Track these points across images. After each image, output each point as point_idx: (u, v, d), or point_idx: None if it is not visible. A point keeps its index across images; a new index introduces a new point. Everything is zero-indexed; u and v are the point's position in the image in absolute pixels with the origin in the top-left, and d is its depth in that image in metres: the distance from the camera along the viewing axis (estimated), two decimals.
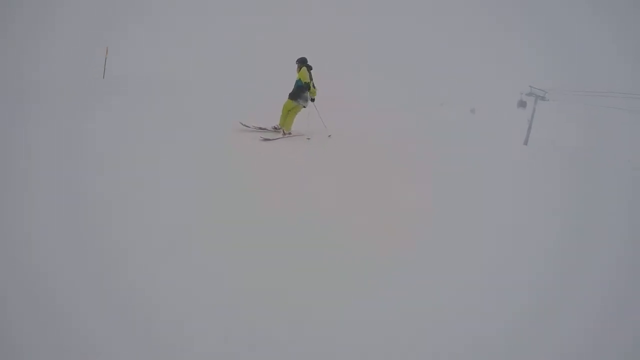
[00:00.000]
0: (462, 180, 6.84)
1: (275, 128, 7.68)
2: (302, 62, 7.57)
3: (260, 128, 7.60)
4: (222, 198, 4.48)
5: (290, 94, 7.57)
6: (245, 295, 2.88)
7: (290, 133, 7.71)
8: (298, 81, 7.53)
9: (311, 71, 7.56)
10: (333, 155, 6.99)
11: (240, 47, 24.96)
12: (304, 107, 7.64)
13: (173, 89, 10.75)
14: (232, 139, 6.95)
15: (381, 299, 3.03)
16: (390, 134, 9.70)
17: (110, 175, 4.58)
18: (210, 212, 4.05)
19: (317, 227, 4.13)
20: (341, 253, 3.66)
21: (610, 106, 20.52)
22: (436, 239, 4.30)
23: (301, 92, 7.50)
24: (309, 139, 7.64)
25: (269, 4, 34.70)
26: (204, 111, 8.50)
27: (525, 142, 20.91)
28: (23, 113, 6.55)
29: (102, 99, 8.19)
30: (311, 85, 7.57)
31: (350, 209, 4.78)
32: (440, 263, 3.77)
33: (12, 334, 2.27)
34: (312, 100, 7.65)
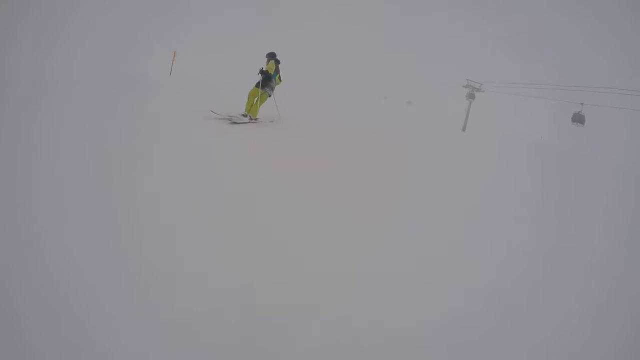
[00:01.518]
0: (405, 166, 7.29)
1: (244, 115, 8.45)
2: (271, 56, 8.58)
3: (230, 116, 8.34)
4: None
5: (257, 83, 8.52)
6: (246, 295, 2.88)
7: (257, 119, 8.55)
8: (265, 72, 8.52)
9: (279, 65, 8.60)
10: (287, 140, 7.59)
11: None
12: (269, 95, 8.64)
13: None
14: (204, 125, 7.60)
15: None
16: (338, 121, 10.28)
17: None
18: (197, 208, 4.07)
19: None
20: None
21: (537, 96, 22.52)
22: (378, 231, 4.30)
23: (268, 81, 8.49)
24: (271, 121, 8.74)
25: None
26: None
27: (464, 129, 22.28)
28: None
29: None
30: (277, 77, 8.65)
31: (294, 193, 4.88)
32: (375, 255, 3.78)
33: (25, 331, 2.26)
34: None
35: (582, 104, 19.36)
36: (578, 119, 19.57)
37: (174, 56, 14.53)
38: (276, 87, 8.72)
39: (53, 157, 4.70)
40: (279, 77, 8.70)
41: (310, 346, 2.51)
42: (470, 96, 25.21)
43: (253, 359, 2.36)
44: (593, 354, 2.89)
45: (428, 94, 34.19)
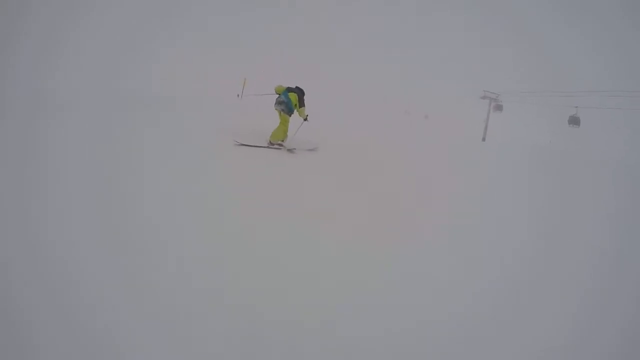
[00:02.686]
0: (431, 174, 7.56)
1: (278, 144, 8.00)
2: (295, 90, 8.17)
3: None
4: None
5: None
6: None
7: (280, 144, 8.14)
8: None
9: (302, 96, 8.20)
10: (315, 159, 7.51)
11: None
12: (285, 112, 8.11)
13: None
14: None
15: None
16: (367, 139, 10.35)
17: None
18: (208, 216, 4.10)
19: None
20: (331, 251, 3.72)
21: (552, 104, 23.19)
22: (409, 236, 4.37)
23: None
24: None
25: None
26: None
27: (483, 139, 22.76)
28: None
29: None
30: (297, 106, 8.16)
31: (332, 207, 4.90)
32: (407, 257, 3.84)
33: (31, 327, 2.28)
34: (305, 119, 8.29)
35: (576, 107, 21.16)
36: (573, 121, 21.29)
37: (245, 83, 15.47)
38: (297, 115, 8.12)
39: (61, 162, 4.85)
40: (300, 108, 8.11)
41: (310, 347, 2.50)
42: (498, 108, 25.67)
43: (253, 357, 2.37)
44: (590, 351, 2.90)
45: (446, 108, 34.65)
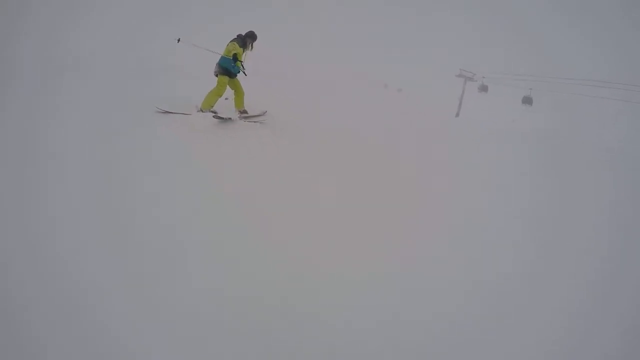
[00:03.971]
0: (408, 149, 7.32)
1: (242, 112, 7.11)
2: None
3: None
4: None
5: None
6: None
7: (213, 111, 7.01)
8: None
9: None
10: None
11: None
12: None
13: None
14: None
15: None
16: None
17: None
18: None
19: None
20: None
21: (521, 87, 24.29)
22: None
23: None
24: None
25: None
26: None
27: (457, 115, 22.71)
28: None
29: None
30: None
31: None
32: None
33: (32, 326, 2.32)
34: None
35: (530, 89, 23.64)
36: (526, 101, 23.75)
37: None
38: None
39: (60, 155, 4.69)
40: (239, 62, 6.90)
41: (309, 347, 2.55)
42: (483, 89, 26.06)
43: (253, 356, 2.42)
44: (590, 352, 2.96)
45: (420, 82, 34.47)
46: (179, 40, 7.00)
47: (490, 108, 27.12)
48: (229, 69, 6.71)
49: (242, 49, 6.83)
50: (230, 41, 6.84)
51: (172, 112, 6.50)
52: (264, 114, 7.27)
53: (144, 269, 2.98)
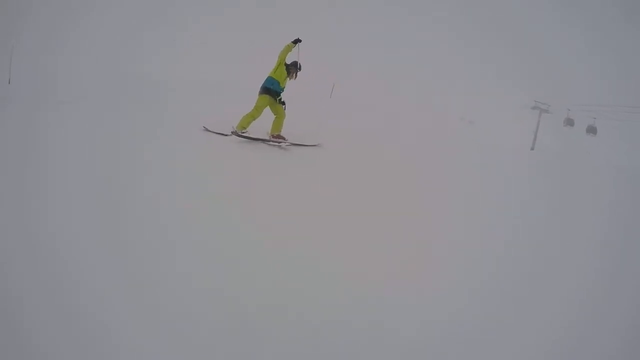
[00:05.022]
0: (478, 181, 7.14)
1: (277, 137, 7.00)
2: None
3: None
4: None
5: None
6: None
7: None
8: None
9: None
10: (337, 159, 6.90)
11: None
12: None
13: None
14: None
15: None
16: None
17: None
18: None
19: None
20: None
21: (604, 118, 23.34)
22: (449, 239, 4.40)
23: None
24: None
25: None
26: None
27: (532, 148, 22.02)
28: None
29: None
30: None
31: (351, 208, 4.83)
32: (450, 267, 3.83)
33: (32, 328, 2.28)
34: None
35: (594, 118, 23.97)
36: (591, 130, 24.12)
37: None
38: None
39: (60, 157, 4.82)
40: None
41: (309, 347, 2.52)
42: (569, 122, 24.93)
43: (253, 357, 2.39)
44: (588, 351, 2.93)
45: (492, 114, 33.75)
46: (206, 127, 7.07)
47: (566, 140, 25.97)
48: (273, 89, 6.82)
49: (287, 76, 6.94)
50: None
51: (210, 131, 6.82)
52: (313, 144, 7.22)
53: (144, 269, 2.95)
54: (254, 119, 6.77)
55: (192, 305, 2.69)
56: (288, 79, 7.00)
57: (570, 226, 5.34)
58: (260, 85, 6.91)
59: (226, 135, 6.73)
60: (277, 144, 6.84)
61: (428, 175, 6.87)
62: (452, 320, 3.01)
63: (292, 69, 6.99)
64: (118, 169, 4.67)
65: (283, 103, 7.05)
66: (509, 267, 4.01)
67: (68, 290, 2.62)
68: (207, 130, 6.90)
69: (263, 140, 6.83)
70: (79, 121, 6.37)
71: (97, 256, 2.99)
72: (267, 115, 7.00)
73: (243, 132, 6.65)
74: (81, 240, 3.17)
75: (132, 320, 2.46)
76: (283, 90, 6.99)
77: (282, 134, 7.06)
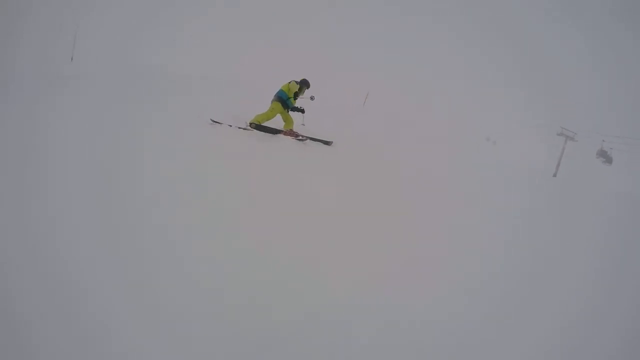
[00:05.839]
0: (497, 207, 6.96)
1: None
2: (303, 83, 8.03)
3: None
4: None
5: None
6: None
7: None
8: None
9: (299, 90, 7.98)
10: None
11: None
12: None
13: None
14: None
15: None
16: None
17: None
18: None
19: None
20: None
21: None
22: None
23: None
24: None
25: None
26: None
27: (555, 175, 21.94)
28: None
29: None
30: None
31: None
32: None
33: (31, 329, 2.26)
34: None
35: (604, 141, 23.17)
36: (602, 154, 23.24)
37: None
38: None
39: (60, 155, 4.74)
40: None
41: (309, 348, 2.51)
42: (603, 155, 24.24)
43: (254, 357, 2.38)
44: (588, 351, 2.95)
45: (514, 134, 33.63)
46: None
47: (591, 171, 25.66)
48: (284, 100, 7.84)
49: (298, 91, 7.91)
50: (292, 81, 7.90)
51: (219, 123, 7.39)
52: (328, 142, 7.86)
53: (144, 270, 2.93)
54: (268, 120, 7.76)
55: (192, 305, 2.68)
56: (300, 96, 7.97)
57: (570, 228, 5.50)
58: (273, 91, 7.99)
59: (243, 128, 7.46)
60: (293, 137, 7.66)
61: (439, 189, 7.01)
62: (452, 320, 3.00)
63: (304, 86, 7.97)
64: (117, 169, 4.62)
65: (302, 111, 8.09)
66: (509, 269, 4.07)
67: (68, 290, 2.60)
68: (214, 122, 7.39)
69: (277, 131, 7.71)
70: (80, 116, 6.38)
71: (96, 256, 2.98)
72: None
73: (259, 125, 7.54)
74: (81, 240, 3.15)
75: (132, 320, 2.45)
76: (292, 104, 7.97)
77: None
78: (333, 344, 2.58)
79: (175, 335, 2.41)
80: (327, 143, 7.91)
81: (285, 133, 7.82)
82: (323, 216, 4.44)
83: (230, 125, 7.44)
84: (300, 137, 7.75)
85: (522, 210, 6.90)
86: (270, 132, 7.71)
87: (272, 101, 7.88)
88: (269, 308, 2.79)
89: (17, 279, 2.60)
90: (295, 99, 8.04)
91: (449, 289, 3.51)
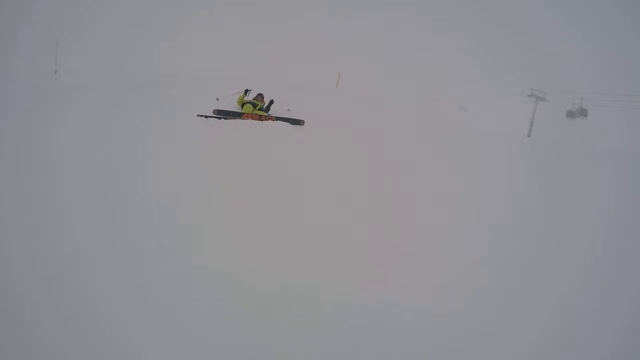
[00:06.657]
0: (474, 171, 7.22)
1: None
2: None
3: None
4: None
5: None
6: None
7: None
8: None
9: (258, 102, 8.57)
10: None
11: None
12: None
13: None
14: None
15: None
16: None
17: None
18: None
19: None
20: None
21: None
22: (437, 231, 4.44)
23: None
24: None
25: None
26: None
27: (529, 135, 22.45)
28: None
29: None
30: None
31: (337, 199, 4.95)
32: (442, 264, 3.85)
33: (32, 328, 2.29)
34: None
35: (582, 98, 23.87)
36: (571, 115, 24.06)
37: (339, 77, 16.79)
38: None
39: (58, 156, 4.82)
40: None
41: (310, 346, 2.53)
42: (582, 114, 24.91)
43: (254, 356, 2.39)
44: (588, 350, 2.94)
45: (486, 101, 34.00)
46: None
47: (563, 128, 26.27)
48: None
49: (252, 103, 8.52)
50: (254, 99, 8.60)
51: (207, 116, 7.88)
52: (299, 121, 8.18)
53: (144, 271, 2.95)
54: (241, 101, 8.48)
55: (192, 305, 2.67)
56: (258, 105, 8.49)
57: (569, 221, 5.44)
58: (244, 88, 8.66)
59: (211, 116, 7.89)
60: (255, 118, 8.11)
61: (425, 170, 6.99)
62: (452, 320, 3.01)
63: (259, 97, 8.68)
64: (117, 170, 4.67)
65: (272, 102, 8.54)
66: (509, 268, 4.05)
67: (68, 292, 2.62)
68: (201, 116, 7.80)
69: (239, 114, 8.14)
70: (78, 117, 6.47)
71: (96, 256, 2.99)
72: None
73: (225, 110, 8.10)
74: (81, 240, 3.16)
75: (132, 323, 2.46)
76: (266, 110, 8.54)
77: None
78: (333, 344, 2.61)
79: (174, 335, 2.44)
80: (297, 122, 8.02)
81: (246, 116, 8.20)
82: (318, 215, 4.46)
83: (219, 118, 7.97)
84: (265, 117, 8.18)
85: (498, 172, 7.09)
86: (232, 117, 8.16)
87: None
88: (269, 308, 2.81)
89: (17, 279, 2.64)
90: (264, 109, 8.58)
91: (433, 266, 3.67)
